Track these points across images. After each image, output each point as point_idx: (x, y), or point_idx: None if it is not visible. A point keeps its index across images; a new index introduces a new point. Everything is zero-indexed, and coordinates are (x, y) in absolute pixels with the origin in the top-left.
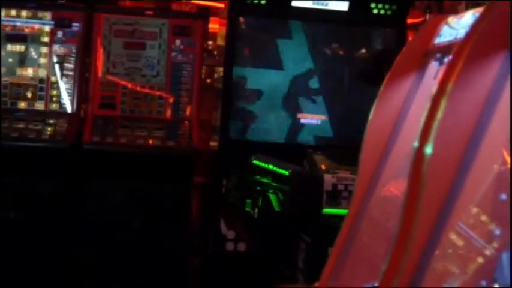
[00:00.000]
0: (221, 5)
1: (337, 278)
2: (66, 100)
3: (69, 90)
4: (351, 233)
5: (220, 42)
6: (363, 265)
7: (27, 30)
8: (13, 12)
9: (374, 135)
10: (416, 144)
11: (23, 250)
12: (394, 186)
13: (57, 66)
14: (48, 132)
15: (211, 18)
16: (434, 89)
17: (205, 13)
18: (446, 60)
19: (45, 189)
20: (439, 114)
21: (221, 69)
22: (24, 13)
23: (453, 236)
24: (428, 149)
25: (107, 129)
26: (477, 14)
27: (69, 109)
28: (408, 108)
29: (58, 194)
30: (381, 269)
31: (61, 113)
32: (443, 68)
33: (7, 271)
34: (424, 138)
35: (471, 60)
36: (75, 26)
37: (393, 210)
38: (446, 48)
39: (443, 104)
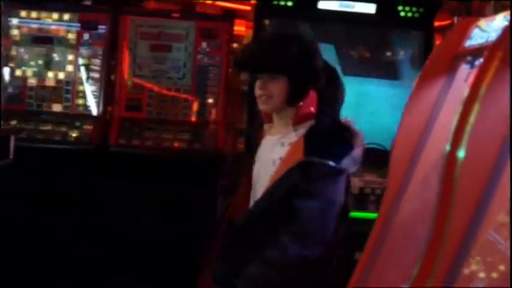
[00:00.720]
0: (247, 7)
1: (366, 282)
2: (92, 102)
3: (95, 93)
4: (381, 236)
5: None
6: (393, 269)
7: (53, 33)
8: (39, 14)
9: (404, 138)
10: (448, 147)
11: (49, 251)
12: (425, 189)
13: (83, 69)
14: (74, 135)
15: (237, 21)
16: (465, 92)
17: (231, 15)
18: (477, 63)
19: (71, 191)
20: (471, 118)
21: None
22: (50, 15)
23: (485, 241)
24: (461, 153)
25: (132, 131)
26: (508, 17)
27: (95, 111)
28: (439, 111)
29: (84, 196)
30: (411, 274)
31: (87, 116)
32: (474, 71)
33: (32, 271)
34: (456, 142)
35: (503, 63)
36: (101, 29)
37: (425, 213)
38: (477, 51)
39: (475, 107)
